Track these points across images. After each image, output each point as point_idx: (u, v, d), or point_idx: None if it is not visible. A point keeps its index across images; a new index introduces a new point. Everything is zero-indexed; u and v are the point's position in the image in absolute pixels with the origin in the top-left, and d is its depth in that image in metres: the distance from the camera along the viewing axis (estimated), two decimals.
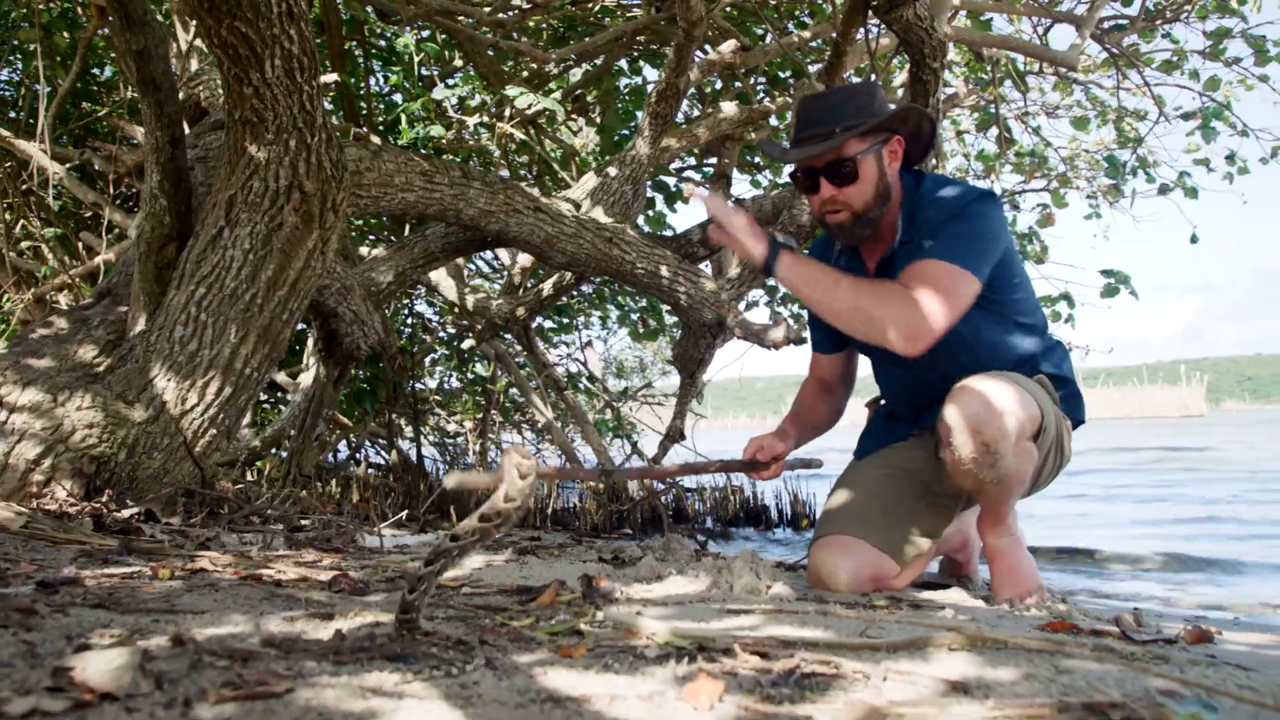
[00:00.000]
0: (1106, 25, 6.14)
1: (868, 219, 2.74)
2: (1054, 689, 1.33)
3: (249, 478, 4.91)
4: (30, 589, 1.77)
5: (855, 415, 3.39)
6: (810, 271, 2.64)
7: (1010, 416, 2.49)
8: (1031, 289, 2.92)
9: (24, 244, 6.84)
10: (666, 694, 1.25)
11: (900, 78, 5.89)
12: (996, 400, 2.49)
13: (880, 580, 2.77)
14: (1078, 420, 2.97)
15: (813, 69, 5.23)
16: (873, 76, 4.93)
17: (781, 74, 6.63)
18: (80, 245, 6.83)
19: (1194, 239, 7.52)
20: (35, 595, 1.70)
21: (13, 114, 7.13)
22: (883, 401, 3.24)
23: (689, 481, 6.16)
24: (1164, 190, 7.52)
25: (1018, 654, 1.53)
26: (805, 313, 3.84)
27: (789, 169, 2.88)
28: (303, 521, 3.41)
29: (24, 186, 6.64)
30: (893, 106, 2.79)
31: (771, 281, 2.58)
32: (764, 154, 2.61)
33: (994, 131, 7.17)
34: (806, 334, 4.55)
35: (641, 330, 8.04)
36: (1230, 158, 7.43)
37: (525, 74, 6.49)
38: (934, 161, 4.66)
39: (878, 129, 2.71)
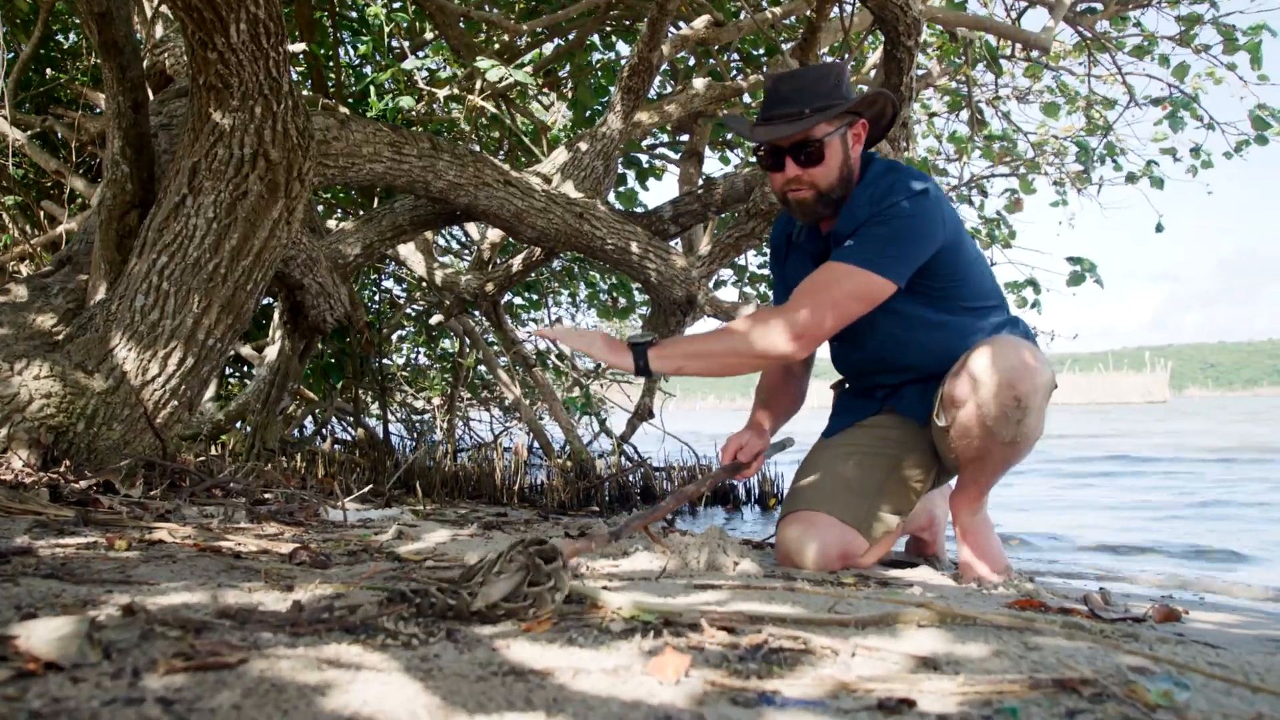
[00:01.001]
0: (1080, 8, 6.15)
1: (830, 199, 2.73)
2: (1024, 665, 1.32)
3: (212, 452, 4.85)
4: None
5: (821, 398, 3.37)
6: (679, 350, 2.70)
7: (1038, 373, 2.50)
8: (987, 272, 2.91)
9: None
10: (632, 668, 1.23)
11: (874, 56, 5.87)
12: (1025, 357, 2.49)
13: (848, 557, 2.76)
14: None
15: (786, 46, 5.19)
16: (847, 54, 4.91)
17: (755, 51, 6.60)
18: (42, 214, 6.72)
19: (1159, 228, 7.55)
20: None
21: None
22: (846, 384, 3.23)
23: (657, 460, 6.14)
24: (1131, 178, 7.55)
25: (987, 631, 1.52)
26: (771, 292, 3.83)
27: (753, 148, 2.85)
28: (265, 495, 3.37)
29: None
30: (863, 88, 2.77)
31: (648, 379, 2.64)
32: (731, 130, 2.59)
33: (965, 113, 7.17)
34: None
35: (612, 308, 8.01)
36: (1195, 151, 7.47)
37: (497, 46, 6.43)
38: (904, 144, 4.63)
39: (843, 112, 2.70)
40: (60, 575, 1.64)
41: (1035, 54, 6.62)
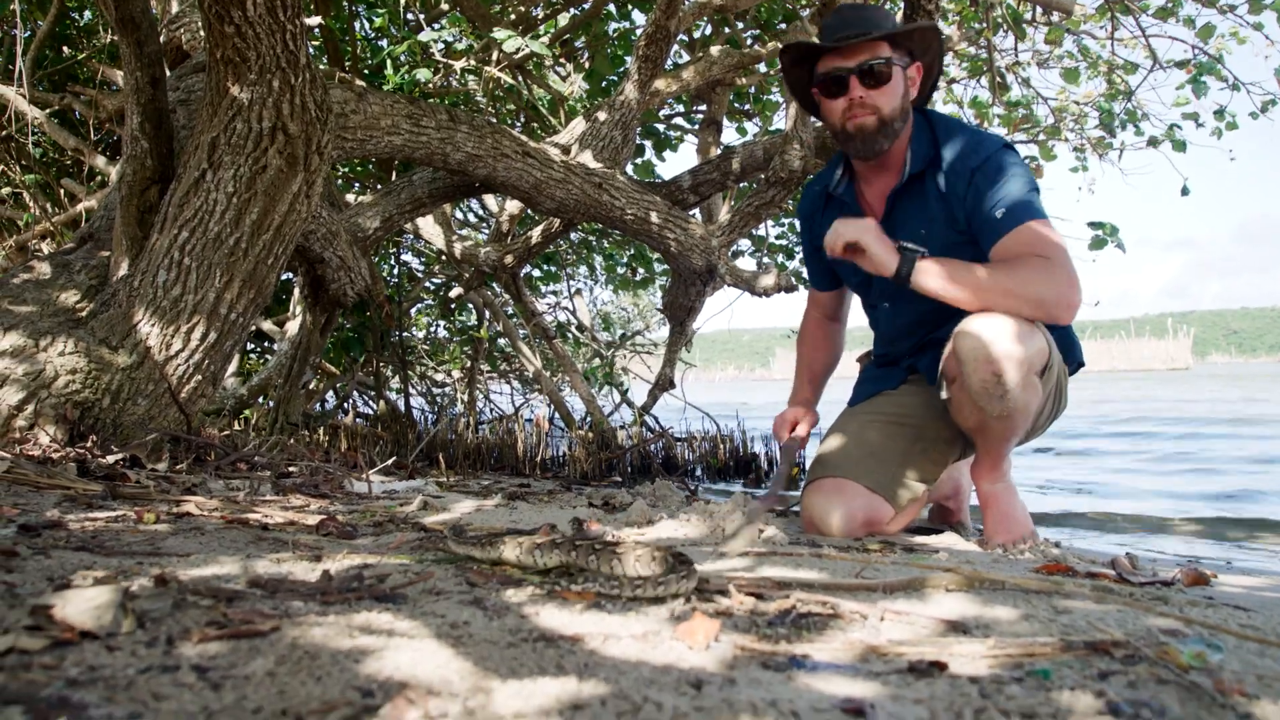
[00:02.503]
0: None
1: (891, 129, 2.70)
2: (1054, 628, 1.31)
3: (235, 426, 4.87)
4: (12, 532, 1.73)
5: (847, 369, 3.37)
6: (947, 272, 2.58)
7: (1020, 347, 2.46)
8: None
9: (4, 190, 6.74)
10: (661, 633, 1.23)
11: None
12: (1006, 331, 2.46)
13: (874, 524, 2.76)
14: (1076, 362, 2.94)
15: (805, 13, 5.14)
16: None
17: (772, 18, 6.55)
18: (62, 192, 6.74)
19: (1185, 191, 7.49)
20: (17, 538, 1.67)
21: None
22: (873, 353, 3.22)
23: (679, 431, 6.14)
24: (1153, 143, 7.48)
25: (1015, 595, 1.51)
26: (801, 252, 3.81)
27: (816, 79, 2.80)
28: (290, 468, 3.38)
29: (3, 132, 6.53)
30: None
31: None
32: (800, 46, 2.56)
33: (985, 79, 7.10)
34: (795, 281, 4.54)
35: (631, 279, 7.99)
36: (1219, 113, 7.39)
37: (513, 17, 6.39)
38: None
39: (908, 46, 2.72)
40: (91, 548, 1.65)
41: (1057, 17, 6.54)
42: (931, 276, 2.57)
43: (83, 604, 1.06)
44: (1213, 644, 1.21)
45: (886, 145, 2.74)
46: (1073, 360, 2.91)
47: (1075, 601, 1.47)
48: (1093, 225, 6.65)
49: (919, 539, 2.74)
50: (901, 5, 4.11)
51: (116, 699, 0.88)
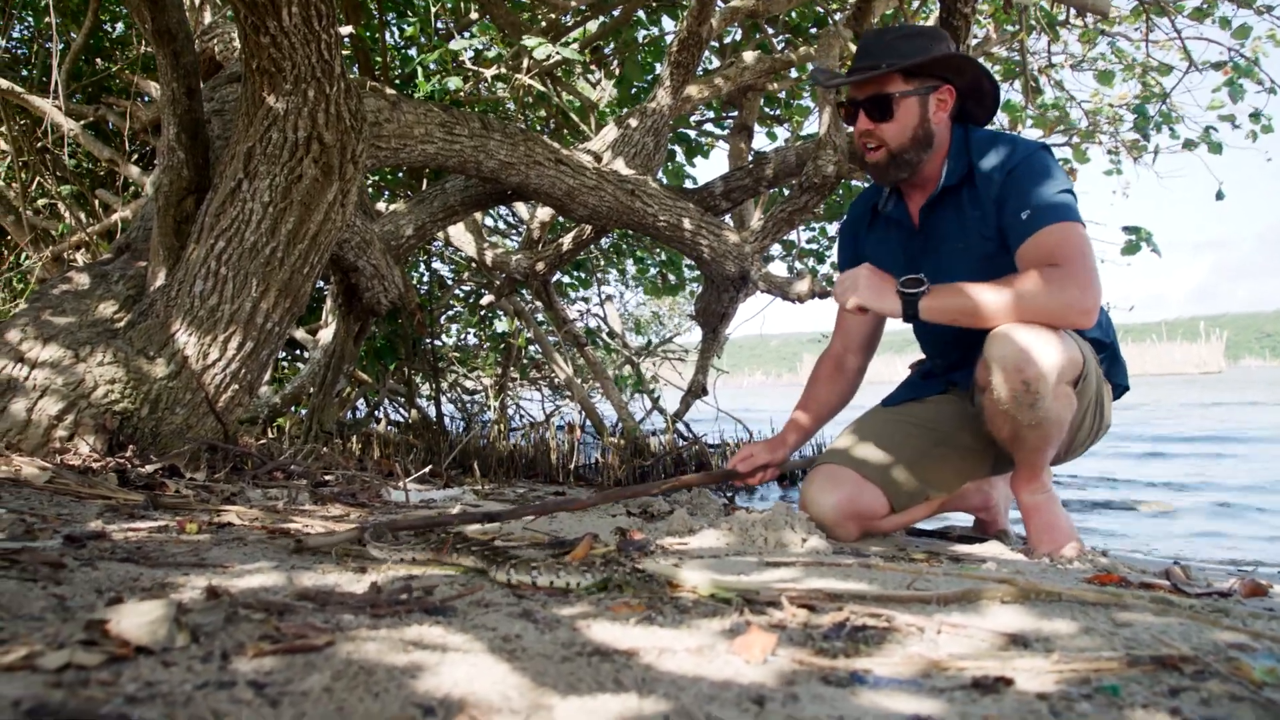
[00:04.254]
0: None
1: (903, 160, 2.71)
2: (1117, 642, 1.28)
3: (270, 434, 4.89)
4: (57, 543, 1.73)
5: (890, 374, 3.35)
6: (955, 304, 2.56)
7: (1051, 356, 2.44)
8: None
9: (40, 202, 6.80)
10: (716, 647, 1.21)
11: (927, 24, 5.77)
12: (1037, 340, 2.44)
13: (865, 516, 2.78)
14: (1120, 386, 2.91)
15: (839, 17, 5.12)
16: (900, 23, 4.83)
17: (803, 23, 6.52)
18: (97, 202, 6.79)
19: (1220, 195, 7.40)
20: (63, 549, 1.67)
21: (25, 71, 7.07)
22: (923, 360, 3.20)
23: (711, 437, 6.12)
24: (1189, 145, 7.40)
25: (1072, 607, 1.48)
26: (824, 269, 3.79)
27: (826, 106, 2.83)
28: (326, 477, 3.38)
29: (39, 144, 6.59)
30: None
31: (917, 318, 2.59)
32: (812, 81, 2.62)
33: (1019, 83, 7.05)
34: (828, 287, 4.51)
35: (661, 285, 7.98)
36: (1255, 115, 7.31)
37: (543, 24, 6.39)
38: None
39: (928, 74, 2.69)
40: (136, 559, 1.65)
41: (1092, 19, 6.49)
42: (939, 309, 2.57)
43: (137, 618, 1.05)
44: None
45: (903, 174, 2.76)
46: (1116, 383, 2.89)
47: (1134, 614, 1.44)
48: (1127, 230, 6.59)
49: (963, 548, 2.72)
50: (937, 9, 4.07)
51: (176, 716, 0.87)
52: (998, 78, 7.47)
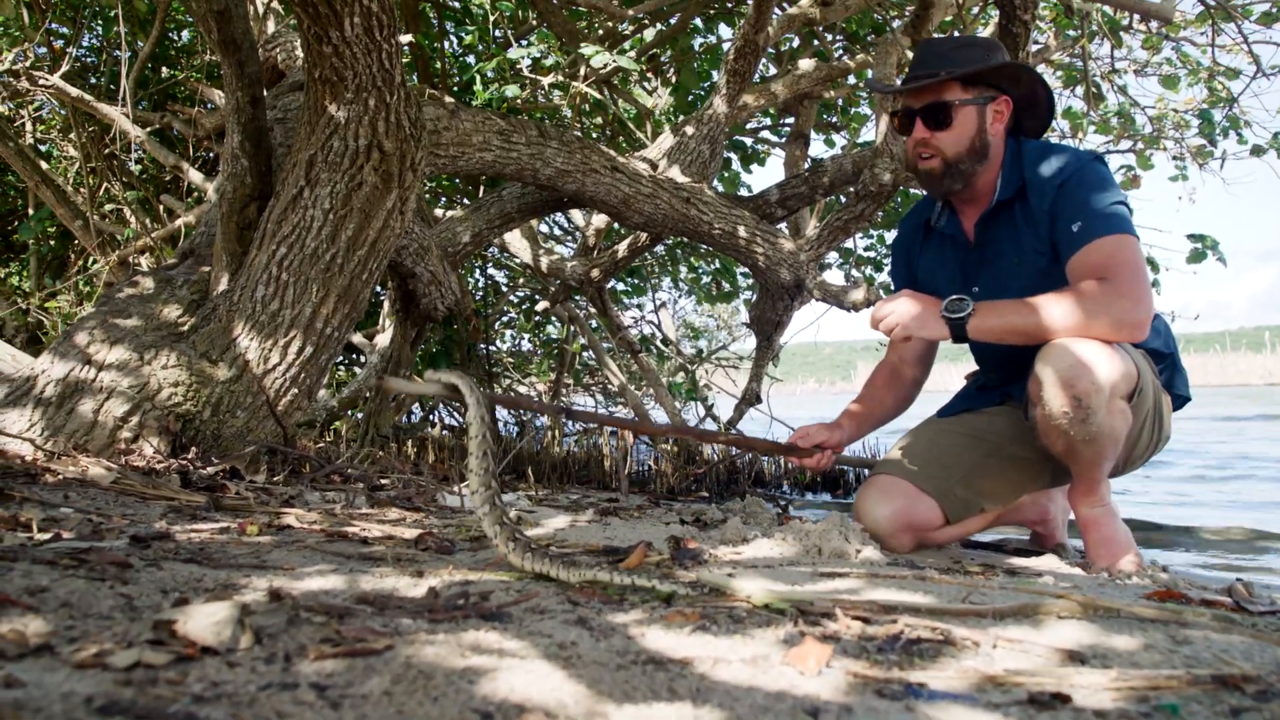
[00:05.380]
0: None
1: (958, 170, 2.69)
2: (1177, 660, 1.27)
3: (327, 438, 4.95)
4: (124, 543, 1.77)
5: (947, 383, 3.33)
6: (1003, 323, 2.55)
7: (1103, 371, 2.41)
8: None
9: (107, 207, 6.95)
10: (770, 658, 1.21)
11: (986, 32, 5.73)
12: (1089, 355, 2.41)
13: (920, 528, 2.77)
14: (1180, 397, 2.87)
15: (896, 24, 5.09)
16: (958, 31, 4.79)
17: (861, 30, 6.49)
18: (161, 208, 6.93)
19: None
20: (129, 549, 1.71)
21: (94, 79, 7.23)
22: (979, 372, 3.18)
23: None
24: (1257, 151, 7.25)
25: (1131, 623, 1.46)
26: (881, 277, 3.78)
27: (890, 112, 2.83)
28: (383, 481, 3.42)
29: (107, 150, 6.74)
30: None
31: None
32: (870, 89, 2.62)
33: (1080, 89, 6.96)
34: (884, 295, 4.48)
35: (715, 293, 7.97)
36: None
37: (600, 33, 6.42)
38: None
39: (984, 84, 2.68)
40: (199, 560, 1.68)
41: (1155, 25, 6.39)
42: (987, 329, 2.55)
43: (203, 619, 1.07)
44: None
45: (957, 186, 2.73)
46: (1177, 395, 2.84)
47: (1195, 631, 1.42)
48: (1192, 238, 6.48)
49: (1019, 561, 2.69)
50: (996, 16, 4.04)
51: (241, 716, 0.89)
52: (1059, 84, 7.39)
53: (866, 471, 5.91)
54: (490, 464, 1.74)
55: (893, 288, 3.21)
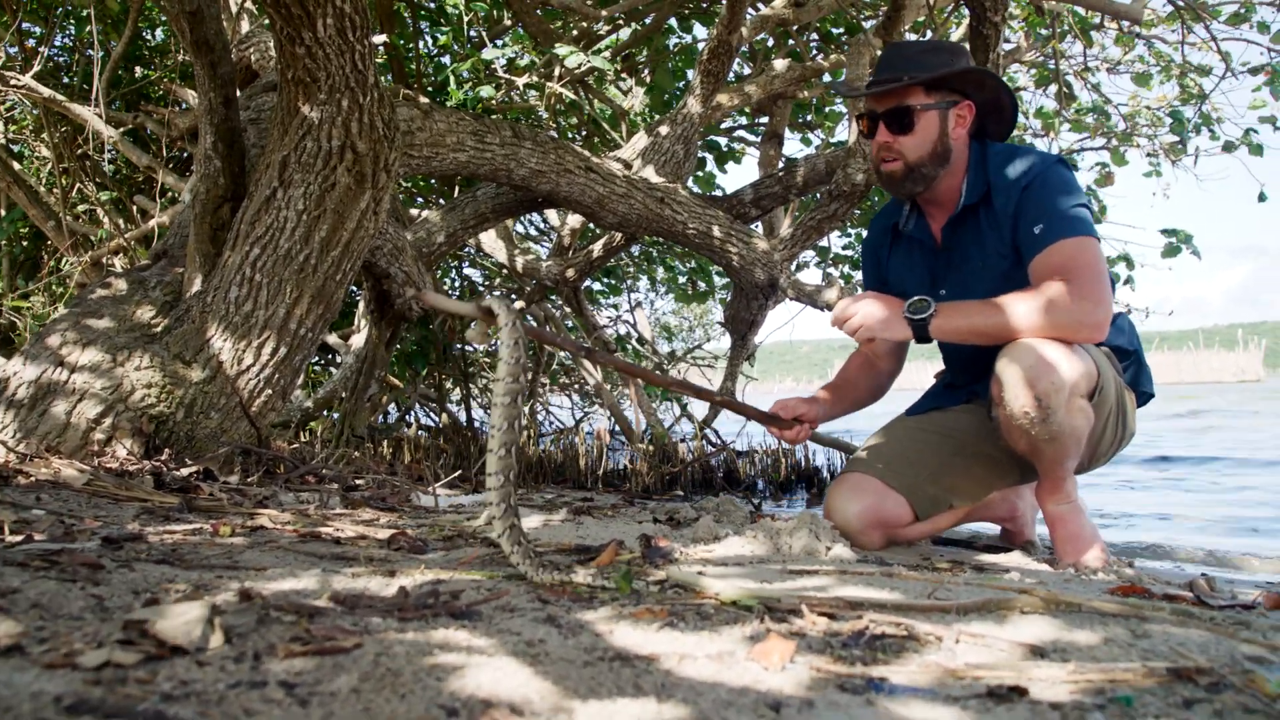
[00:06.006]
0: None
1: (920, 174, 2.74)
2: (1135, 653, 1.29)
3: (302, 438, 4.95)
4: (96, 544, 1.78)
5: (904, 381, 3.37)
6: (966, 324, 2.59)
7: (1063, 371, 2.45)
8: None
9: (80, 208, 6.91)
10: (736, 654, 1.23)
11: (957, 34, 5.78)
12: (1049, 355, 2.45)
13: (889, 524, 2.81)
14: (1144, 393, 2.91)
15: (869, 25, 5.12)
16: (930, 32, 4.83)
17: (834, 30, 6.53)
18: (134, 208, 6.90)
19: (1262, 197, 7.34)
20: (101, 550, 1.71)
21: (67, 79, 7.19)
22: (946, 372, 3.21)
23: (740, 444, 6.13)
24: (1229, 147, 7.34)
25: (1093, 618, 1.49)
26: (859, 275, 3.81)
27: (856, 115, 2.87)
28: (357, 481, 3.43)
29: (79, 151, 6.70)
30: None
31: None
32: (835, 91, 2.66)
33: (1053, 88, 7.02)
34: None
35: (690, 292, 7.99)
36: None
37: (574, 33, 6.43)
38: None
39: (948, 88, 2.71)
40: (172, 560, 1.69)
41: (1127, 24, 6.46)
42: (949, 329, 2.60)
43: (173, 619, 1.08)
44: None
45: (919, 188, 2.78)
46: (1141, 391, 2.89)
47: (1155, 625, 1.45)
48: (1166, 233, 6.55)
49: (988, 558, 2.72)
50: (967, 17, 4.08)
51: (210, 714, 0.90)
52: (1031, 83, 7.45)
53: (840, 465, 5.96)
54: (511, 461, 1.74)
55: (864, 288, 3.24)
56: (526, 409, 7.65)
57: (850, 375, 3.17)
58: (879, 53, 3.66)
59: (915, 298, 2.62)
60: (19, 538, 1.74)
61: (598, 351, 2.21)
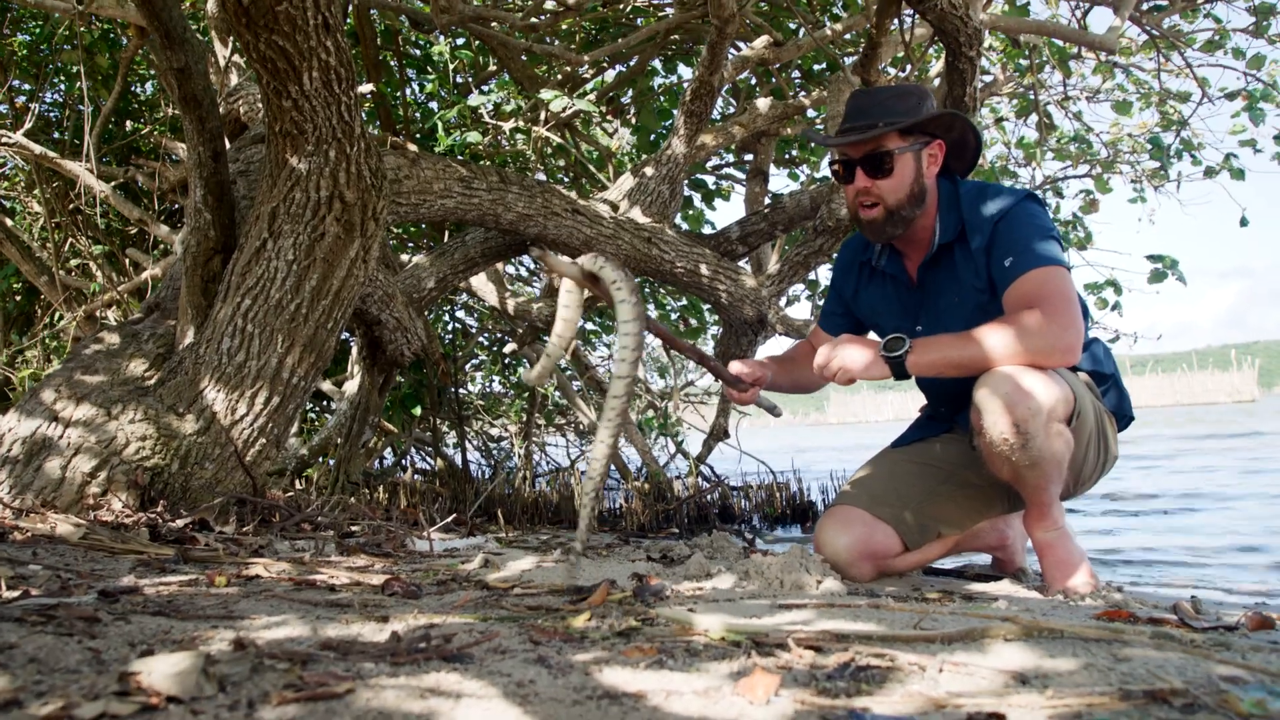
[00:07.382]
0: (1146, 6, 6.07)
1: (900, 217, 2.78)
2: (1114, 678, 1.32)
3: (298, 486, 4.96)
4: (92, 598, 1.80)
5: (900, 412, 3.40)
6: (941, 358, 2.62)
7: (1040, 396, 2.48)
8: None
9: (73, 262, 6.95)
10: (722, 689, 1.26)
11: (936, 67, 5.85)
12: (1025, 382, 2.49)
13: (879, 555, 2.83)
14: (1125, 416, 2.95)
15: (848, 61, 5.20)
16: (908, 68, 4.90)
17: (816, 67, 6.61)
18: (127, 261, 6.94)
19: (1244, 222, 7.41)
20: (97, 604, 1.73)
21: (58, 134, 7.26)
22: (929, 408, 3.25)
23: (734, 480, 6.15)
24: (1210, 173, 7.43)
25: (1075, 643, 1.52)
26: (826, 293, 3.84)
27: (828, 162, 2.93)
28: (353, 527, 3.44)
29: (71, 205, 6.75)
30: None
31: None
32: (807, 140, 2.69)
33: (1034, 119, 7.11)
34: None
35: (682, 329, 8.03)
36: (1279, 138, 7.33)
37: (559, 77, 6.51)
38: None
39: (920, 130, 2.77)
40: (167, 612, 1.71)
41: (1104, 54, 6.55)
42: (926, 364, 2.62)
43: (167, 669, 1.11)
44: (1275, 691, 1.21)
45: (898, 231, 2.83)
46: (1122, 415, 2.93)
47: (1135, 649, 1.47)
48: (1151, 258, 6.61)
49: (978, 587, 2.74)
50: (943, 52, 4.14)
51: None
52: (1011, 115, 7.53)
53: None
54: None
55: (825, 311, 3.27)
56: (522, 450, 7.67)
57: (799, 355, 3.21)
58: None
59: (890, 336, 2.65)
60: (16, 593, 1.76)
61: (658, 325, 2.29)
